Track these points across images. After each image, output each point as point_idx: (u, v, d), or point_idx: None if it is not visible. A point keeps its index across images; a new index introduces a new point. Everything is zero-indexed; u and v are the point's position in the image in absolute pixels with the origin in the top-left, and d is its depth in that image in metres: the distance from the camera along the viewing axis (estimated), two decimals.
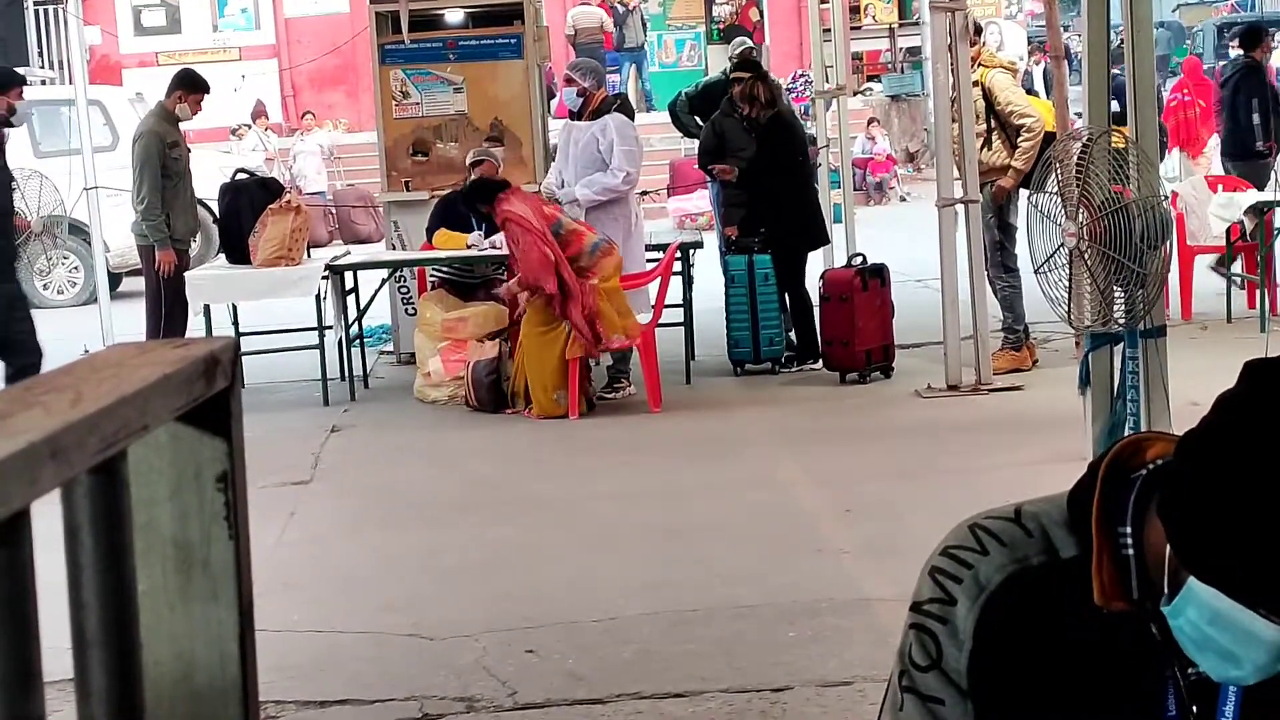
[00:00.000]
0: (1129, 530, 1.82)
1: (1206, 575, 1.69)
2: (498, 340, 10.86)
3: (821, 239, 11.88)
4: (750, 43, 15.81)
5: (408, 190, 12.44)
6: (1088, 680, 1.87)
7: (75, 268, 18.24)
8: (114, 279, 14.18)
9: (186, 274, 11.47)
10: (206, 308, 11.12)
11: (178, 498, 1.28)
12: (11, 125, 11.00)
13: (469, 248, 11.22)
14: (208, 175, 15.19)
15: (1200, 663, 1.76)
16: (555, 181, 11.01)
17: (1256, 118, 14.14)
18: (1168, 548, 1.74)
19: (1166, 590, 1.76)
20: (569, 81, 10.91)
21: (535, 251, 9.75)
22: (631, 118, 11.27)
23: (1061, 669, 1.88)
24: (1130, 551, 1.82)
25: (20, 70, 13.27)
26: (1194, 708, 1.85)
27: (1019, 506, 1.97)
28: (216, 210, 12.33)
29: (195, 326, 11.32)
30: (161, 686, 1.29)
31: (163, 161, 11.39)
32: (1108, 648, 1.86)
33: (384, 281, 11.87)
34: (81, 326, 13.38)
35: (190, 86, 11.73)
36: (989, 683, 1.90)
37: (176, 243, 11.51)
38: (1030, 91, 11.54)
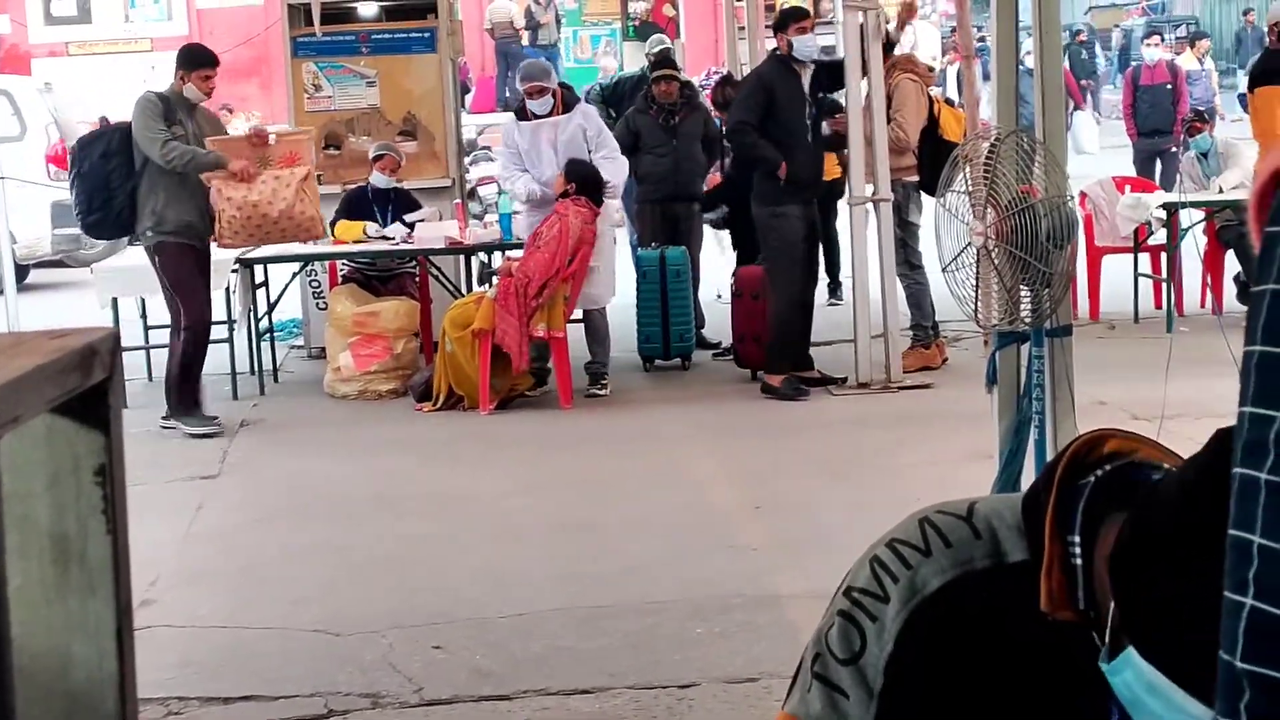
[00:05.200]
0: (1078, 540, 1.78)
1: (1148, 655, 1.64)
2: (414, 340, 10.83)
3: None
4: (668, 41, 15.85)
5: (319, 184, 12.33)
6: (1028, 685, 1.85)
7: None
8: (21, 270, 13.97)
9: (93, 267, 11.31)
10: (114, 301, 10.99)
11: (54, 490, 1.25)
12: None
13: (365, 237, 11.13)
14: None
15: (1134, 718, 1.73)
16: (527, 188, 10.53)
17: None
18: (1113, 604, 1.70)
19: (1107, 643, 1.72)
20: (541, 92, 10.63)
21: (550, 259, 9.88)
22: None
23: (999, 673, 1.85)
24: (1079, 561, 1.78)
25: None
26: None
27: (973, 504, 1.92)
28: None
29: (103, 319, 11.17)
30: (36, 682, 1.26)
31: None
32: (1050, 654, 1.83)
33: (294, 275, 11.78)
34: None
35: (188, 63, 9.83)
36: (904, 685, 1.88)
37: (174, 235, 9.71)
38: (946, 100, 11.61)
